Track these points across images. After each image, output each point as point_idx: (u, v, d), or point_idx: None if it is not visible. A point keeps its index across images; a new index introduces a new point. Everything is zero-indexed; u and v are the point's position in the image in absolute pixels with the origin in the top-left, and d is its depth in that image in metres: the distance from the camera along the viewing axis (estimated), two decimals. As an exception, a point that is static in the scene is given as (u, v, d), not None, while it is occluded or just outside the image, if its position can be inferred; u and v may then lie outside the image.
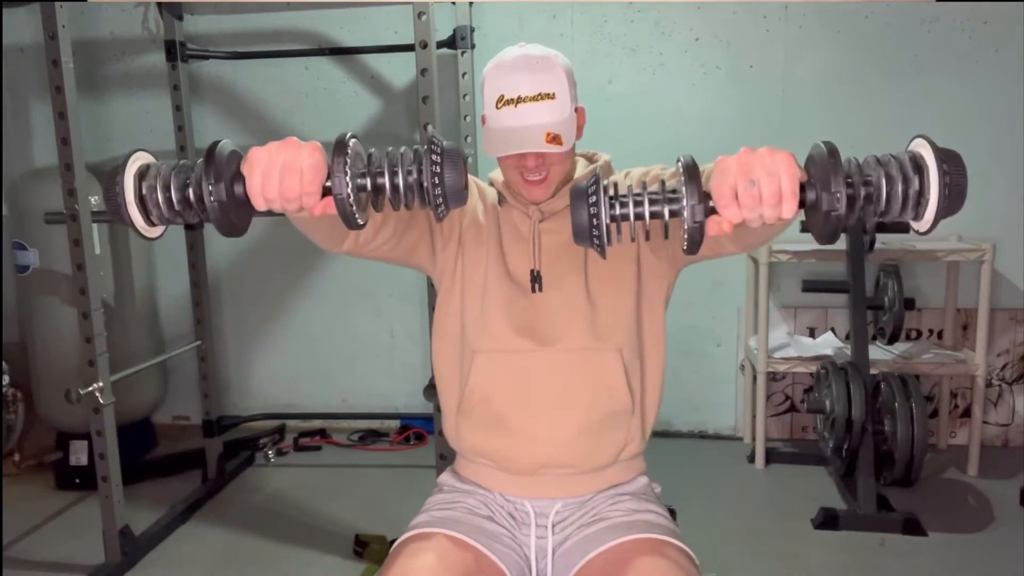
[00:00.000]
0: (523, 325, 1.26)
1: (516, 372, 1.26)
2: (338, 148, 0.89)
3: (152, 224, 0.95)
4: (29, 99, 3.49)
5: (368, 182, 0.90)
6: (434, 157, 0.90)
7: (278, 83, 3.33)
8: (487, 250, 1.30)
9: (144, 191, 0.92)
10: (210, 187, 0.89)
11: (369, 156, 0.94)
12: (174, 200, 0.92)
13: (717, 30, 3.10)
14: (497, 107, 1.21)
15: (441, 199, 0.91)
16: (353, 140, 0.91)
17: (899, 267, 2.90)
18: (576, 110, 1.25)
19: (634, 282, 1.28)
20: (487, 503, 1.29)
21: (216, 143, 0.91)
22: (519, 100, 1.20)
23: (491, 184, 1.37)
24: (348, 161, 0.88)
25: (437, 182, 0.90)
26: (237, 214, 0.92)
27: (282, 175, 0.88)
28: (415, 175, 0.91)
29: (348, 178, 0.88)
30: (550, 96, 1.20)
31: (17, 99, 3.48)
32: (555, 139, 1.19)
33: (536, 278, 1.27)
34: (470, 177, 1.38)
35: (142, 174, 0.93)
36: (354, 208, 0.90)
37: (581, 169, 1.34)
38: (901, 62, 3.01)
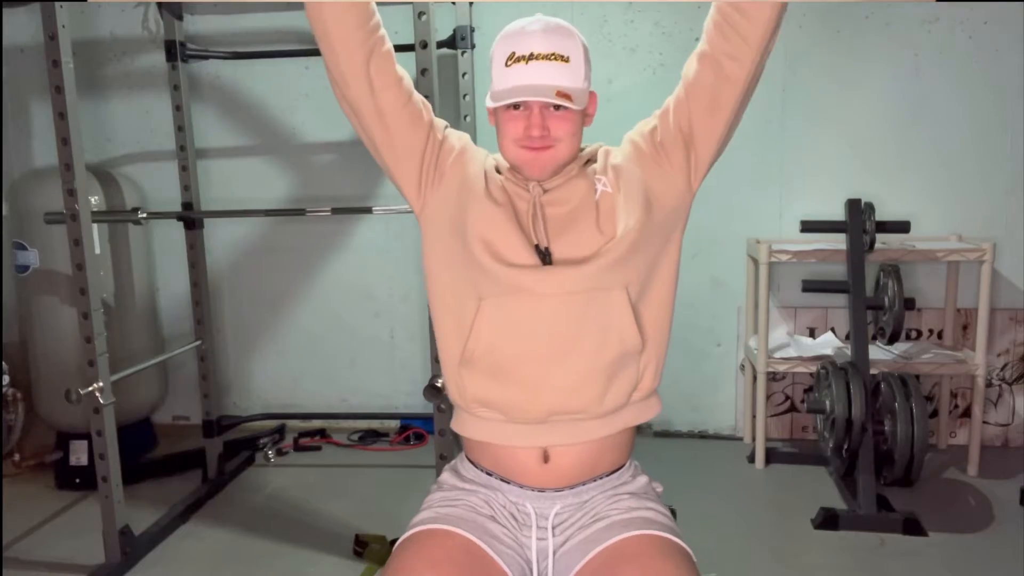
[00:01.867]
0: (531, 273, 1.21)
1: (523, 318, 1.21)
2: None
3: None
4: (29, 99, 3.49)
5: None
6: None
7: (278, 83, 3.33)
8: (492, 203, 1.24)
9: None
10: None
11: None
12: None
13: (717, 30, 3.09)
14: (507, 64, 1.18)
15: None
16: None
17: (899, 267, 2.90)
18: (590, 96, 1.23)
19: (644, 211, 1.23)
20: (489, 502, 1.28)
21: None
22: (531, 57, 1.16)
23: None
24: None
25: None
26: None
27: None
28: None
29: None
30: (564, 59, 1.17)
31: (17, 99, 3.48)
32: (566, 97, 1.15)
33: (545, 254, 1.21)
34: (480, 150, 1.35)
35: None
36: None
37: (579, 161, 1.30)
38: (901, 62, 3.01)
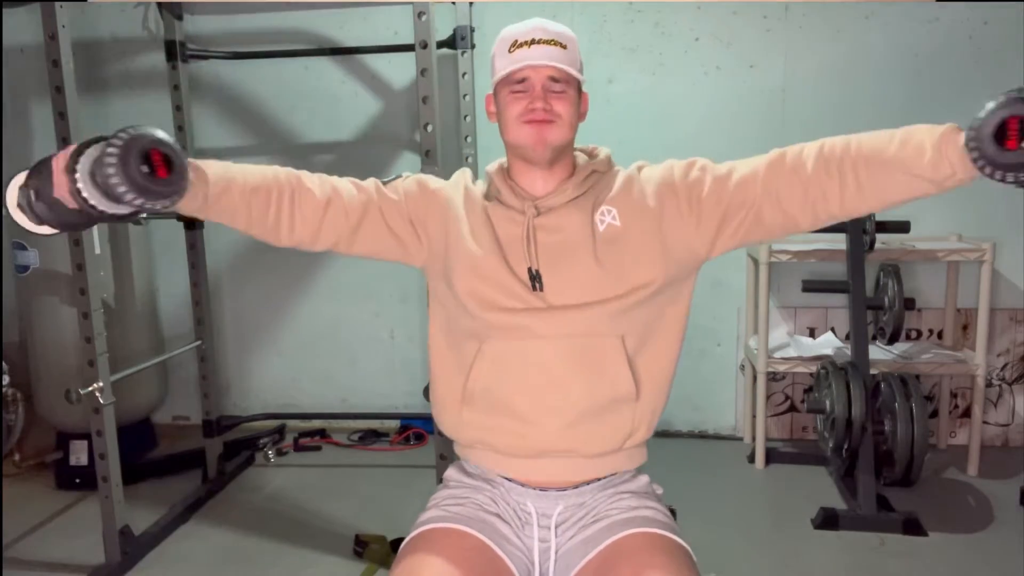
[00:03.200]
0: (526, 315, 1.23)
1: (517, 359, 1.24)
2: (40, 164, 1.03)
3: (39, 222, 1.06)
4: (29, 99, 3.49)
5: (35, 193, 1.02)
6: (108, 159, 0.95)
7: (278, 83, 3.33)
8: (476, 250, 1.26)
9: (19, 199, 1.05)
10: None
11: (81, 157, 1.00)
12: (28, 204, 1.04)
13: (717, 30, 3.09)
14: (510, 51, 1.22)
15: (134, 197, 0.96)
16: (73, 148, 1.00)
17: (899, 267, 2.90)
18: (582, 95, 1.26)
19: (663, 264, 1.24)
20: (495, 500, 1.29)
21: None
22: (533, 42, 1.22)
23: (487, 176, 1.33)
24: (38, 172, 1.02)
25: (115, 182, 0.95)
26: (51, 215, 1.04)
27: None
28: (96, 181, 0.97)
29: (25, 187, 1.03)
30: (563, 45, 1.22)
31: (17, 99, 3.48)
32: (567, 73, 1.21)
33: (535, 276, 1.23)
34: (456, 185, 1.34)
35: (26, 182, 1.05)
36: (29, 213, 1.04)
37: (581, 164, 1.30)
38: (901, 62, 3.01)
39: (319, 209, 1.23)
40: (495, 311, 1.24)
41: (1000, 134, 0.94)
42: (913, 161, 1.06)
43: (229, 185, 1.16)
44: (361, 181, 1.30)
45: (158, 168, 0.97)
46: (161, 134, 0.99)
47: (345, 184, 1.28)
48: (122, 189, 0.94)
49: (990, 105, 0.94)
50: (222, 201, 1.16)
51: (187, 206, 1.11)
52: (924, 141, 1.05)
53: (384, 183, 1.32)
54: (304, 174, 1.25)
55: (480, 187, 1.34)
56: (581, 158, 1.32)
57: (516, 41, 1.22)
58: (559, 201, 1.26)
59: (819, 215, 1.17)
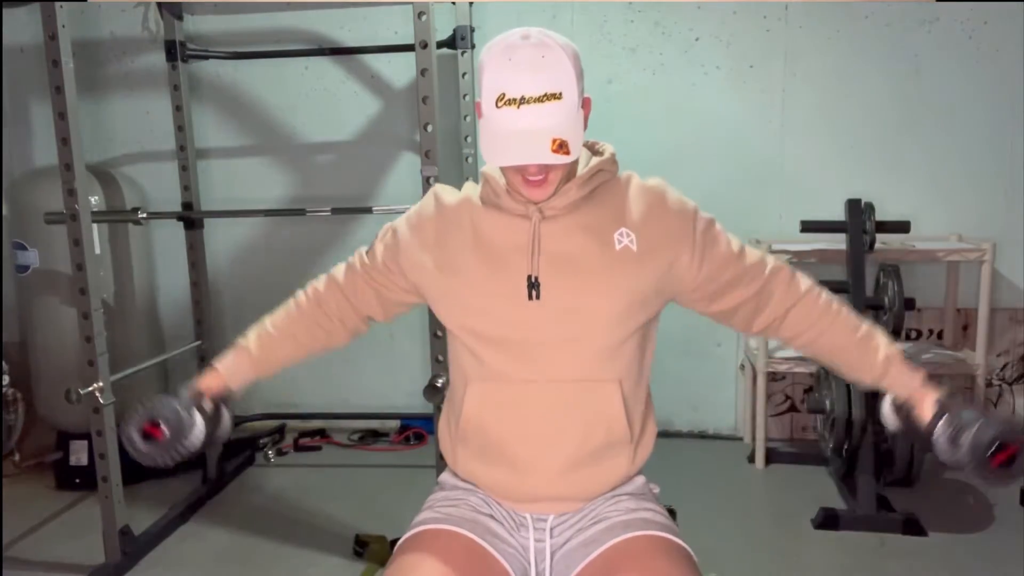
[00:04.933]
0: (518, 352, 1.21)
1: (511, 402, 1.23)
2: None
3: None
4: (29, 99, 3.49)
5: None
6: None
7: (278, 83, 3.33)
8: (467, 272, 1.23)
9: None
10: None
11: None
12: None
13: (717, 30, 3.09)
14: (497, 106, 1.12)
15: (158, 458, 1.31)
16: None
17: (899, 267, 2.90)
18: (583, 103, 1.19)
19: (649, 303, 1.24)
20: (488, 502, 1.29)
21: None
22: (522, 101, 1.10)
23: (483, 179, 1.29)
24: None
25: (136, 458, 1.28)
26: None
27: None
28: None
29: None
30: (556, 96, 1.11)
31: (17, 99, 3.48)
32: (562, 147, 1.11)
33: (534, 285, 1.20)
34: (413, 213, 1.34)
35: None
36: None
37: (584, 160, 1.26)
38: (901, 62, 3.01)
39: (338, 311, 1.41)
40: (491, 346, 1.22)
41: (988, 448, 1.09)
42: (866, 355, 1.27)
43: (270, 347, 1.42)
44: (352, 258, 1.41)
45: (155, 434, 1.30)
46: (155, 404, 1.31)
47: (339, 274, 1.42)
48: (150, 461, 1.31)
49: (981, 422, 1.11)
50: (272, 359, 1.41)
51: (245, 380, 1.41)
52: (880, 346, 1.27)
53: (367, 250, 1.38)
54: (316, 290, 1.44)
55: (468, 193, 1.31)
56: (584, 154, 1.28)
57: (503, 96, 1.11)
58: (563, 202, 1.22)
59: (765, 333, 1.34)
